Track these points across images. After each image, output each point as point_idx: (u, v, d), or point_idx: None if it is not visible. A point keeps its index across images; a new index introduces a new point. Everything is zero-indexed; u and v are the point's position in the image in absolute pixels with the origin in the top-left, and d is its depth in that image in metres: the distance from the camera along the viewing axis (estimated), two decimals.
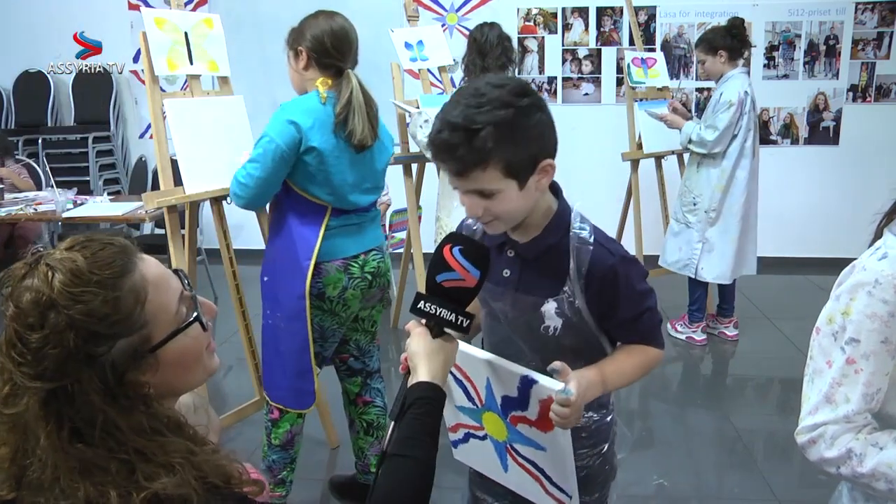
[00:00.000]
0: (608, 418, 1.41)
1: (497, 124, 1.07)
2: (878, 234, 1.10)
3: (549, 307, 1.23)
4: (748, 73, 3.87)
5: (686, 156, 4.12)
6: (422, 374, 1.05)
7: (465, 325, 1.08)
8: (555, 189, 1.26)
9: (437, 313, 1.06)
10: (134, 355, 0.81)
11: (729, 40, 3.76)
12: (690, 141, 3.85)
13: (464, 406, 1.28)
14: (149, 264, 0.85)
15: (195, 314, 0.88)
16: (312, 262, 2.15)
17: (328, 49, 2.09)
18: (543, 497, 1.24)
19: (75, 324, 0.76)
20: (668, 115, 4.08)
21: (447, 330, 1.10)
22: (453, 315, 1.06)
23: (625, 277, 1.22)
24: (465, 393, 1.24)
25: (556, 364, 1.11)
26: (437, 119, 1.12)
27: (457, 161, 1.10)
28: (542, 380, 1.09)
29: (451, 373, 1.21)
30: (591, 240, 1.22)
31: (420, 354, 1.08)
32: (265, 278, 2.26)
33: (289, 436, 2.33)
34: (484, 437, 1.29)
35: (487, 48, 3.02)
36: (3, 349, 0.78)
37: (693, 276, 3.94)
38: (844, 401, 1.03)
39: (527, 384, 1.11)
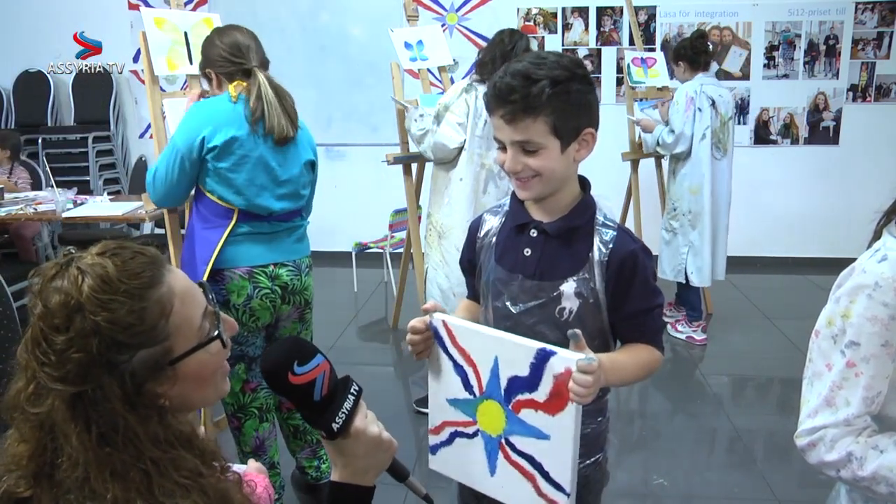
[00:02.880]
0: (604, 426, 1.41)
1: (554, 80, 1.17)
2: (878, 235, 1.09)
3: (569, 287, 1.26)
4: (712, 75, 4.04)
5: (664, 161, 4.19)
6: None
7: (337, 426, 0.94)
8: (584, 184, 1.33)
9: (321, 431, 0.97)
10: (154, 366, 0.80)
11: (687, 51, 3.92)
12: (658, 145, 3.96)
13: (457, 398, 1.23)
14: (177, 277, 0.85)
15: (217, 331, 0.88)
16: (208, 267, 2.07)
17: (227, 58, 2.10)
18: (535, 500, 1.19)
19: (100, 330, 0.76)
20: (643, 119, 4.16)
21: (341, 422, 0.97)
22: (322, 430, 0.96)
23: (643, 267, 1.27)
24: (463, 381, 1.21)
25: (576, 330, 1.10)
26: (501, 70, 1.22)
27: (512, 104, 1.18)
28: (561, 351, 1.08)
29: (452, 357, 1.19)
30: (615, 225, 1.28)
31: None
32: None
33: (257, 441, 2.26)
34: (474, 435, 1.25)
35: (513, 56, 2.97)
36: (28, 346, 0.78)
37: (684, 282, 4.00)
38: (844, 404, 1.03)
39: (542, 358, 1.09)
